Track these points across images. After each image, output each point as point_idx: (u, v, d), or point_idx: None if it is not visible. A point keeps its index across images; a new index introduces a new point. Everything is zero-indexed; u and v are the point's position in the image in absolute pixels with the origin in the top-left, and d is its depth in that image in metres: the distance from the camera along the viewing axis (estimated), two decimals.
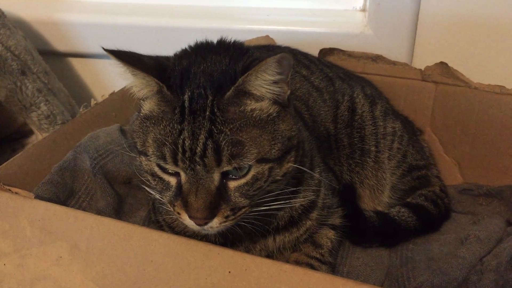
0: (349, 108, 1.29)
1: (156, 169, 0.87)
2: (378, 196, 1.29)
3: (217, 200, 0.83)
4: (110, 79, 1.88)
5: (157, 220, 1.11)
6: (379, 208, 1.29)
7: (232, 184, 0.84)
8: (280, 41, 1.64)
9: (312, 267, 1.05)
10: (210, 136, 0.80)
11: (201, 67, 0.87)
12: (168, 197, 0.88)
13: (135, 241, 0.91)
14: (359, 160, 1.28)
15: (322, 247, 1.09)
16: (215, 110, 0.81)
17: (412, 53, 1.70)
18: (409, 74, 1.58)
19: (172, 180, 0.87)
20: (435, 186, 1.40)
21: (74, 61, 1.90)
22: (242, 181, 0.84)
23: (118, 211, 1.20)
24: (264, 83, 0.83)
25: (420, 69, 1.57)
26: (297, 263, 1.07)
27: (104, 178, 1.21)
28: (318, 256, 1.07)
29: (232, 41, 0.96)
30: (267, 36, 1.70)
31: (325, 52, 1.65)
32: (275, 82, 0.84)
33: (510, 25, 1.57)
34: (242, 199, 0.85)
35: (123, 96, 1.47)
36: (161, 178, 0.88)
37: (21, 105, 1.45)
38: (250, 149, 0.81)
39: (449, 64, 1.53)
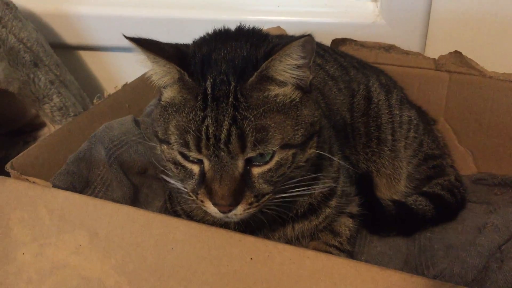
0: (365, 97, 1.29)
1: (179, 157, 0.86)
2: (395, 185, 1.28)
3: (241, 187, 0.83)
4: (120, 71, 1.88)
5: (174, 210, 1.10)
6: (395, 197, 1.29)
7: (256, 171, 0.84)
8: (291, 32, 1.63)
9: (331, 254, 1.05)
10: (234, 122, 0.79)
11: (221, 54, 0.86)
12: (191, 185, 0.87)
13: (155, 229, 0.91)
14: (376, 149, 1.27)
15: (340, 235, 1.08)
16: (239, 96, 0.81)
17: (425, 42, 1.68)
18: (423, 64, 1.57)
19: (195, 168, 0.86)
20: (450, 175, 1.39)
21: (85, 54, 1.90)
22: (266, 167, 0.83)
23: (134, 202, 1.19)
24: (287, 68, 0.82)
25: (434, 59, 1.56)
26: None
27: (120, 169, 1.20)
28: (337, 244, 1.07)
29: (251, 27, 0.95)
30: (278, 27, 1.69)
31: (337, 42, 1.64)
32: (298, 67, 0.83)
33: None
34: (266, 185, 0.85)
35: (136, 88, 1.46)
36: (183, 166, 0.87)
37: (34, 97, 1.45)
38: (274, 134, 0.81)
39: (463, 54, 1.53)
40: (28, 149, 1.14)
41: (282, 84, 0.84)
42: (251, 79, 0.81)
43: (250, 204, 0.84)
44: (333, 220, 1.08)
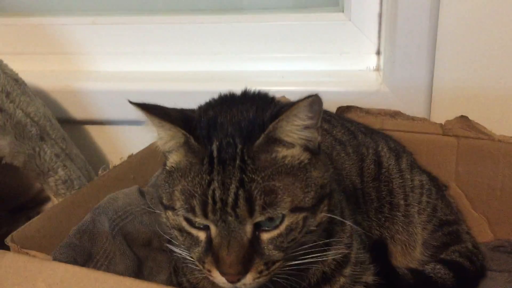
0: (375, 161, 1.26)
1: (184, 223, 0.83)
2: (411, 253, 1.23)
3: (250, 254, 0.78)
4: (126, 144, 1.88)
5: (179, 282, 1.05)
6: (412, 266, 1.23)
7: (265, 236, 0.80)
8: None
9: None
10: (241, 185, 0.77)
11: (227, 117, 0.85)
12: (197, 254, 0.83)
13: None
14: (389, 215, 1.23)
15: None
16: (245, 158, 0.79)
17: (430, 108, 1.68)
18: (429, 129, 1.56)
19: (201, 235, 0.83)
20: (467, 242, 1.34)
21: (91, 128, 1.91)
22: (276, 232, 0.79)
23: (138, 275, 1.14)
24: (295, 129, 0.81)
25: (441, 124, 1.56)
26: None
27: (124, 240, 1.16)
28: None
29: (257, 91, 0.95)
30: (283, 97, 1.70)
31: (342, 110, 1.64)
32: (306, 127, 0.82)
33: None
34: (276, 252, 0.80)
35: (141, 159, 1.45)
36: (189, 233, 0.84)
37: (39, 170, 1.43)
38: (284, 197, 0.78)
39: (469, 117, 1.52)
40: (29, 222, 1.10)
41: (290, 145, 0.82)
42: (258, 141, 0.80)
43: (260, 272, 0.80)
44: None
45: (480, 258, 1.31)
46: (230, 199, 0.77)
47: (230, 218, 0.77)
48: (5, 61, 1.58)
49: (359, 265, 1.03)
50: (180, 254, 0.91)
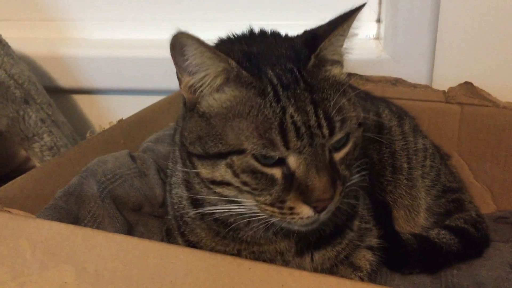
0: (376, 123, 1.21)
1: (256, 163, 0.75)
2: (414, 218, 1.17)
3: (334, 176, 0.76)
4: (115, 114, 1.80)
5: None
6: (415, 232, 1.17)
7: (338, 156, 0.79)
8: None
9: None
10: (315, 105, 0.74)
11: (262, 48, 0.82)
12: (274, 195, 0.76)
13: (152, 259, 0.80)
14: (391, 178, 1.17)
15: (361, 269, 0.97)
16: (308, 80, 0.76)
17: (432, 75, 1.63)
18: (432, 97, 1.51)
19: (277, 172, 0.76)
20: (470, 211, 1.29)
21: (79, 98, 1.84)
22: (345, 150, 0.79)
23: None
24: (338, 46, 0.83)
25: (443, 91, 1.50)
26: None
27: (113, 204, 1.10)
28: (357, 279, 0.95)
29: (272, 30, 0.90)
30: None
31: None
32: (342, 45, 0.83)
33: None
34: (346, 171, 0.81)
35: (132, 124, 1.39)
36: (263, 174, 0.76)
37: (23, 135, 1.36)
38: (349, 113, 0.77)
39: (473, 84, 1.47)
40: (13, 181, 1.04)
41: (336, 63, 0.83)
42: (310, 63, 0.78)
43: (340, 194, 0.78)
44: (352, 252, 0.97)
45: (485, 227, 1.26)
46: (312, 121, 0.73)
47: (317, 139, 0.74)
48: None
49: (364, 223, 0.98)
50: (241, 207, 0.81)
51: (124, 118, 1.38)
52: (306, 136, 0.73)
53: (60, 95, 1.79)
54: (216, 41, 0.88)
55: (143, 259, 0.80)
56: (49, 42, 1.80)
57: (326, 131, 0.74)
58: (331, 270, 0.95)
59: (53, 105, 1.56)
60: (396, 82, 1.55)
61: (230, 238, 0.89)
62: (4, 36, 1.52)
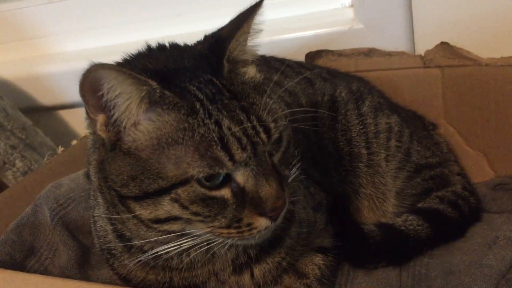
0: (329, 108, 1.12)
1: (203, 189, 0.70)
2: (380, 206, 1.09)
3: (280, 179, 0.74)
4: None
5: None
6: (384, 220, 1.09)
7: (276, 158, 0.76)
8: (264, 52, 1.50)
9: None
10: (247, 112, 0.71)
11: (173, 63, 0.77)
12: (229, 216, 0.72)
13: None
14: (350, 167, 1.09)
15: (307, 276, 0.90)
16: (230, 87, 0.74)
17: (413, 39, 1.49)
18: (409, 63, 1.39)
19: (226, 192, 0.71)
20: (456, 185, 1.19)
21: (63, 113, 1.84)
22: (281, 149, 0.77)
23: (83, 265, 1.06)
24: (246, 44, 0.79)
25: (420, 55, 1.38)
26: None
27: (65, 230, 1.08)
28: None
29: (166, 41, 0.83)
30: None
31: (311, 56, 1.48)
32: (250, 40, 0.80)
33: None
34: (286, 170, 0.79)
35: None
36: (213, 198, 0.71)
37: None
38: (277, 110, 0.75)
39: (457, 43, 1.33)
40: None
41: (248, 63, 0.80)
42: (225, 69, 0.75)
43: (288, 196, 0.76)
44: (296, 258, 0.91)
45: (472, 201, 1.16)
46: (249, 129, 0.70)
47: (259, 147, 0.71)
48: None
49: (306, 227, 0.91)
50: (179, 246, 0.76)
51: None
52: (249, 146, 0.70)
53: (44, 113, 1.80)
54: (119, 61, 0.80)
55: None
56: (24, 61, 1.81)
57: (264, 136, 0.71)
58: (275, 281, 0.90)
59: (29, 128, 1.57)
60: (370, 52, 1.43)
61: (160, 268, 0.85)
62: None
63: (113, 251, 0.90)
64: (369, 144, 1.09)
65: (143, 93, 0.69)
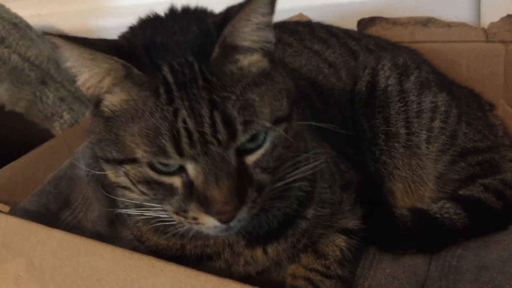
0: (368, 83, 1.05)
1: (152, 173, 0.69)
2: (416, 190, 1.03)
3: (241, 183, 0.68)
4: None
5: None
6: (419, 205, 1.03)
7: (251, 159, 0.70)
8: (315, 18, 1.43)
9: (311, 282, 0.85)
10: (214, 107, 0.65)
11: (166, 36, 0.71)
12: (175, 204, 0.71)
13: (82, 257, 0.81)
14: (385, 147, 1.03)
15: (326, 256, 0.87)
16: (208, 76, 0.67)
17: (479, 9, 1.37)
18: (470, 36, 1.29)
19: (176, 181, 0.70)
20: (506, 172, 1.09)
21: None
22: (260, 152, 0.70)
23: (113, 221, 1.09)
24: (251, 30, 0.70)
25: (483, 28, 1.27)
26: (294, 277, 0.87)
27: (98, 186, 1.10)
28: (320, 268, 0.86)
29: (183, 7, 0.78)
30: (301, 14, 1.51)
31: (364, 23, 1.40)
32: (266, 26, 0.70)
33: None
34: (265, 175, 0.71)
35: None
36: (160, 184, 0.70)
37: (42, 115, 1.42)
38: (262, 109, 0.68)
39: None
40: (1, 170, 1.09)
41: (250, 51, 0.71)
42: (214, 54, 0.67)
43: (254, 201, 0.70)
44: (317, 237, 0.88)
45: None
46: (206, 126, 0.65)
47: (212, 147, 0.66)
48: (16, 6, 1.56)
49: (328, 207, 0.87)
50: (142, 215, 0.79)
51: None
52: (199, 144, 0.65)
53: None
54: (124, 32, 0.78)
55: (75, 256, 0.81)
56: (79, 14, 1.84)
57: (224, 137, 0.65)
58: (292, 259, 0.88)
59: None
60: (428, 22, 1.33)
61: (171, 234, 0.84)
62: (32, 14, 1.57)
63: (132, 216, 0.91)
64: (409, 124, 1.02)
65: (105, 70, 0.68)
